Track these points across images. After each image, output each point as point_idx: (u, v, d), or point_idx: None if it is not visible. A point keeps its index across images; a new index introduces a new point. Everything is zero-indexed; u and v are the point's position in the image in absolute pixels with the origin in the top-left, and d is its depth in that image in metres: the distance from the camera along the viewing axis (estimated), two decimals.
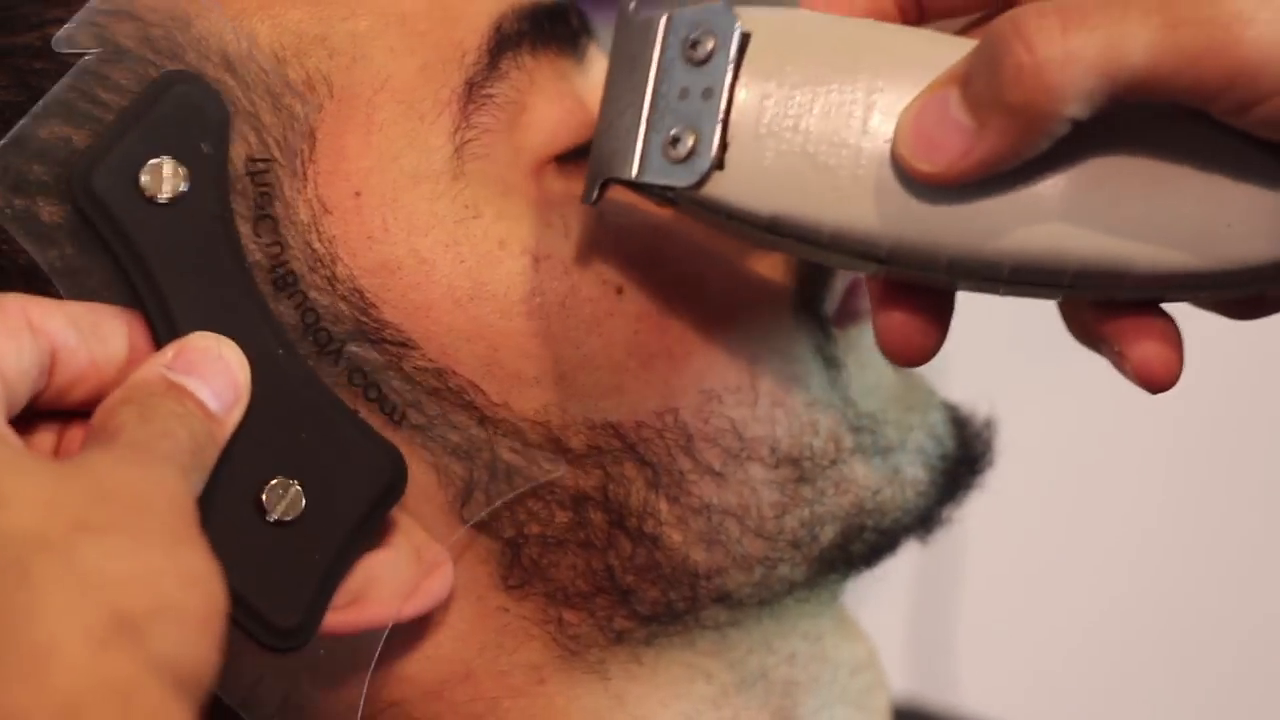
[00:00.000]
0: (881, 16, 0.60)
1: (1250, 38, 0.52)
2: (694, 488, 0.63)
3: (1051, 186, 0.55)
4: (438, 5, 0.62)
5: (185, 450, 0.52)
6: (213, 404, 0.55)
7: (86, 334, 0.55)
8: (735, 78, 0.57)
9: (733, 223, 0.57)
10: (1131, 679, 1.51)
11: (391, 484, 0.58)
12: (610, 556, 0.62)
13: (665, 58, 0.58)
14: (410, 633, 0.61)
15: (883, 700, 0.69)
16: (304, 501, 0.57)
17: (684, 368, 0.62)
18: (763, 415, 0.63)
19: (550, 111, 0.62)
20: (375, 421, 0.59)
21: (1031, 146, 0.54)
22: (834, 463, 0.65)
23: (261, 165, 0.59)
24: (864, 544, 0.66)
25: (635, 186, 0.58)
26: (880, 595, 0.72)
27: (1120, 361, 0.57)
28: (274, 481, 0.57)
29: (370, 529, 0.58)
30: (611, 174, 0.58)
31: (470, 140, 0.61)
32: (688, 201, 0.57)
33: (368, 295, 0.60)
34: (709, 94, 0.57)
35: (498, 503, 0.61)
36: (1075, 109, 0.53)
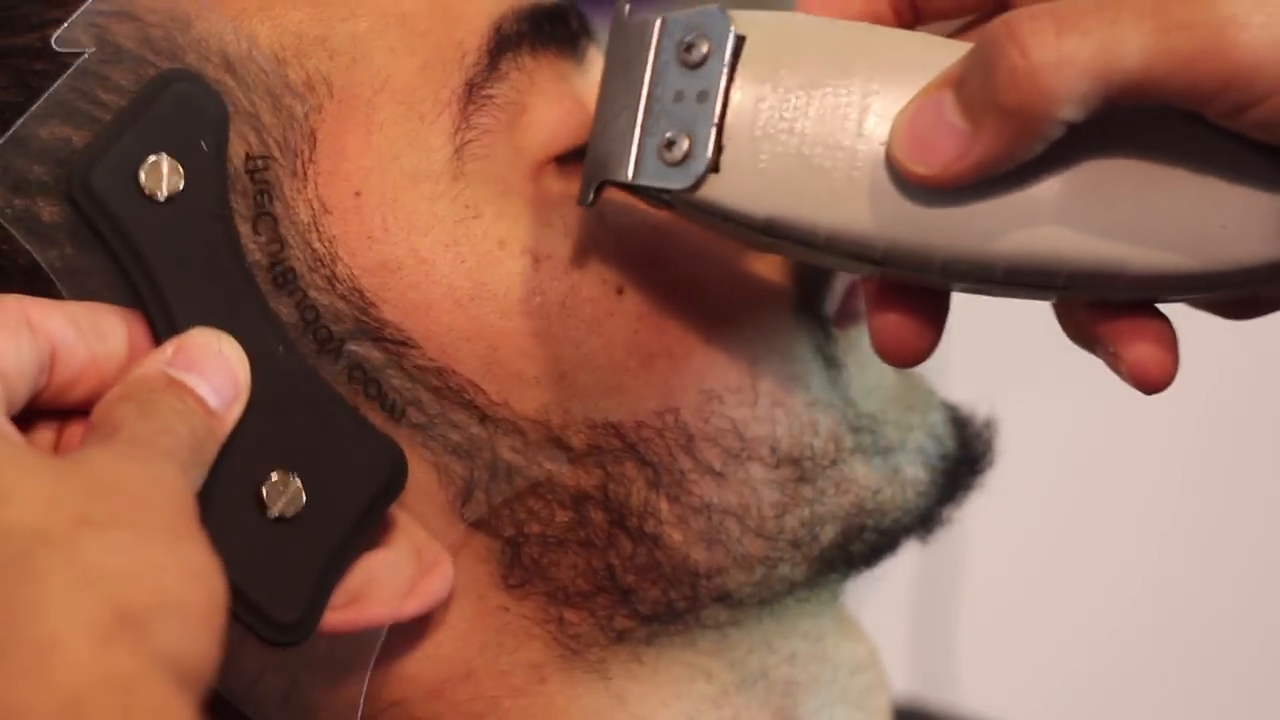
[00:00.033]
0: (877, 19, 0.60)
1: (1244, 41, 0.52)
2: (694, 487, 0.63)
3: (1046, 189, 0.55)
4: (438, 6, 0.63)
5: (185, 446, 0.52)
6: (212, 400, 0.55)
7: (86, 332, 0.55)
8: (730, 81, 0.57)
9: (728, 225, 0.57)
10: (1132, 679, 1.51)
11: (392, 479, 0.58)
12: (611, 556, 0.62)
13: (660, 60, 0.58)
14: (411, 632, 0.61)
15: (883, 700, 0.69)
16: (304, 497, 0.57)
17: (684, 367, 0.62)
18: (763, 415, 0.64)
19: (550, 112, 0.62)
20: (375, 419, 0.59)
21: (1026, 149, 0.54)
22: (834, 462, 0.65)
23: (260, 163, 0.59)
24: (864, 544, 0.66)
25: (630, 189, 0.58)
26: (881, 595, 0.72)
27: (1115, 362, 0.57)
28: (274, 477, 0.57)
29: (371, 524, 0.58)
30: (607, 176, 0.58)
31: (470, 141, 0.61)
32: (683, 204, 0.57)
33: (368, 294, 0.60)
34: (704, 97, 0.57)
35: (497, 499, 0.61)
36: (1069, 112, 0.53)
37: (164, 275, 0.57)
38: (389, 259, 0.60)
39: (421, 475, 0.60)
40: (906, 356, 0.59)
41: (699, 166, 0.56)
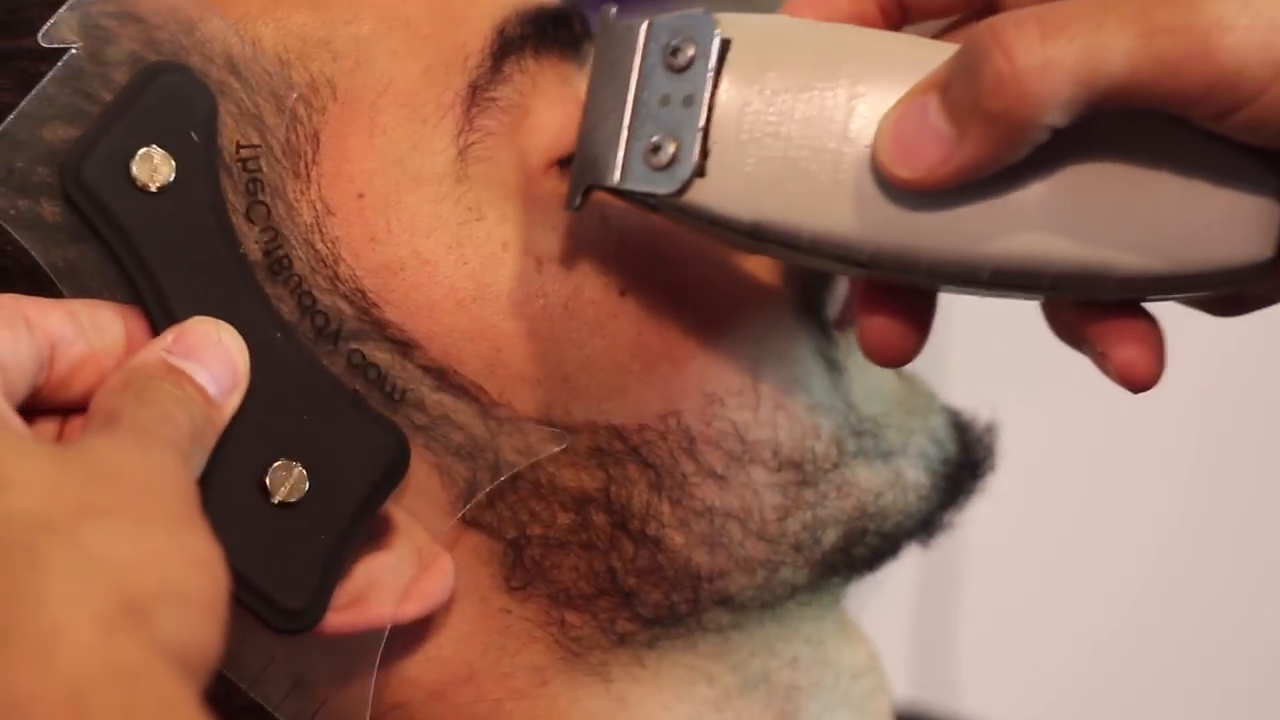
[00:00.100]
0: (863, 18, 0.60)
1: (1229, 44, 0.52)
2: (696, 490, 0.63)
3: (1031, 192, 0.56)
4: (440, 9, 0.63)
5: (185, 434, 0.52)
6: (211, 388, 0.55)
7: (84, 326, 0.55)
8: (716, 85, 0.57)
9: (715, 228, 0.57)
10: (1133, 684, 1.51)
11: (395, 462, 0.58)
12: (613, 558, 0.62)
13: (646, 64, 0.58)
14: (413, 634, 0.61)
15: (884, 704, 0.69)
16: (308, 483, 0.57)
17: (686, 370, 0.62)
18: (765, 418, 0.64)
19: (553, 115, 0.62)
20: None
21: (1011, 154, 0.54)
22: (836, 466, 0.65)
23: (250, 152, 0.59)
24: (866, 547, 0.66)
25: (618, 193, 0.58)
26: (882, 599, 0.72)
27: (1103, 362, 0.58)
28: (277, 464, 0.57)
29: (375, 508, 0.58)
30: (594, 181, 0.58)
31: (473, 143, 0.61)
32: (669, 208, 0.57)
33: (370, 295, 0.60)
34: (690, 101, 0.57)
35: (499, 501, 0.61)
36: (1054, 117, 0.53)
37: (159, 266, 0.57)
38: (392, 260, 0.60)
39: (423, 477, 0.60)
40: (893, 356, 0.59)
41: (685, 171, 0.56)
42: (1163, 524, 1.53)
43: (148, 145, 0.57)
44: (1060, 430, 1.44)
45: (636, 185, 0.57)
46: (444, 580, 0.61)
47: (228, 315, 0.57)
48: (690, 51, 0.57)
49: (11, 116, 0.57)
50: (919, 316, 0.59)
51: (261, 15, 0.61)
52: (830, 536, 0.65)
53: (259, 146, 0.59)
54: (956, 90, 0.54)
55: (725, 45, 0.57)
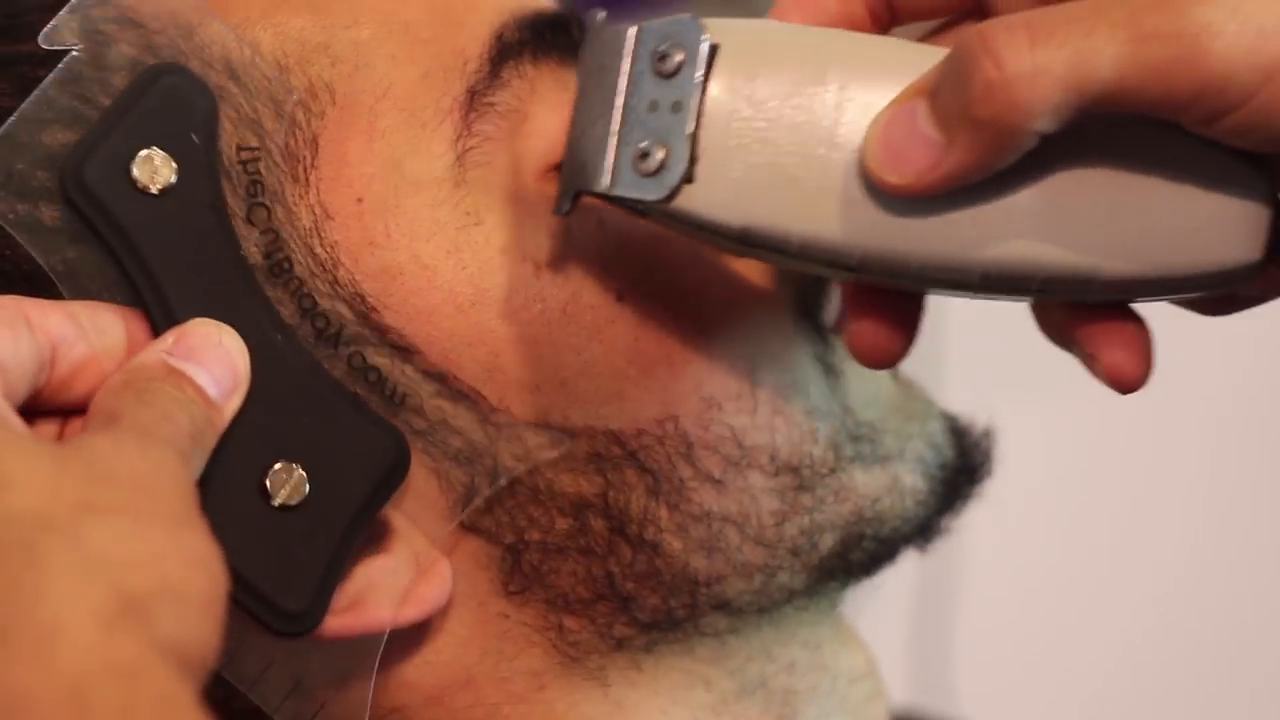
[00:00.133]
0: (852, 20, 0.60)
1: (1218, 50, 0.52)
2: (694, 495, 0.63)
3: (1020, 196, 0.56)
4: (440, 14, 0.63)
5: (185, 435, 0.52)
6: (212, 390, 0.55)
7: (85, 327, 0.55)
8: (704, 90, 0.57)
9: (704, 234, 0.58)
10: (1130, 689, 1.51)
11: (395, 465, 0.58)
12: (611, 563, 0.62)
13: (635, 70, 0.58)
14: (411, 638, 0.61)
15: (881, 710, 0.70)
16: (308, 485, 0.57)
17: (684, 375, 0.62)
18: (762, 423, 0.64)
19: (551, 120, 0.62)
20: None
21: (1000, 160, 0.54)
22: (833, 471, 0.65)
23: (250, 154, 0.59)
24: (863, 552, 0.66)
25: (607, 199, 0.58)
26: (879, 604, 0.72)
27: (1091, 363, 0.58)
28: (277, 466, 0.57)
29: (375, 511, 0.58)
30: (583, 186, 0.58)
31: (472, 148, 0.61)
32: (659, 214, 0.57)
33: (369, 300, 0.60)
34: (678, 107, 0.57)
35: (497, 506, 0.61)
36: (1043, 124, 0.53)
37: (160, 267, 0.57)
38: (390, 265, 0.60)
39: (422, 482, 0.60)
40: (881, 359, 0.60)
41: (673, 178, 0.57)
42: (1161, 528, 1.53)
43: (148, 147, 0.57)
44: (1058, 435, 1.44)
45: (625, 191, 0.57)
46: (442, 585, 0.61)
47: (228, 317, 0.57)
48: (678, 57, 0.57)
49: (11, 119, 0.57)
50: (907, 319, 0.60)
51: (261, 20, 0.61)
52: (827, 541, 0.65)
53: (258, 149, 0.60)
54: (945, 96, 0.54)
55: (713, 51, 0.57)
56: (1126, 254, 0.56)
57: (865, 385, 0.67)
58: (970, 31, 0.54)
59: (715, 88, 0.57)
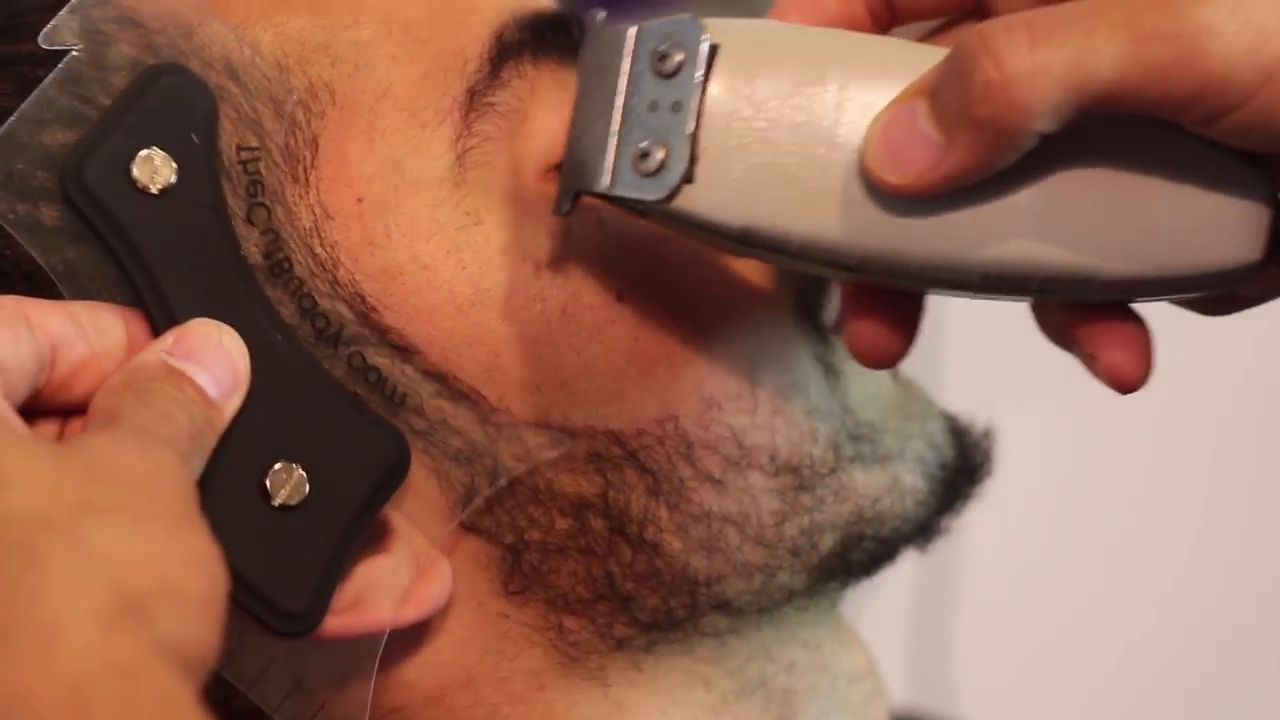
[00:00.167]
0: (852, 20, 0.60)
1: (1218, 50, 0.52)
2: (694, 495, 0.63)
3: (1020, 196, 0.56)
4: (440, 14, 0.63)
5: (185, 435, 0.52)
6: (212, 390, 0.55)
7: (85, 328, 0.55)
8: (704, 91, 0.57)
9: (704, 234, 0.58)
10: (1130, 689, 1.51)
11: (395, 465, 0.58)
12: (611, 563, 0.62)
13: (635, 70, 0.58)
14: (411, 638, 0.61)
15: (881, 710, 0.70)
16: (308, 485, 0.57)
17: (684, 375, 0.62)
18: (762, 423, 0.64)
19: (551, 120, 0.62)
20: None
21: (1000, 160, 0.54)
22: (833, 471, 0.65)
23: (249, 154, 0.59)
24: (863, 552, 0.66)
25: (607, 199, 0.58)
26: (879, 604, 0.72)
27: (1091, 363, 0.58)
28: (277, 466, 0.57)
29: (375, 511, 0.58)
30: (583, 186, 0.58)
31: (472, 148, 0.61)
32: (658, 214, 0.58)
33: (369, 300, 0.60)
34: (678, 107, 0.57)
35: (497, 506, 0.61)
36: (1043, 124, 0.53)
37: (160, 267, 0.57)
38: (391, 265, 0.60)
39: (422, 482, 0.60)
40: (880, 358, 0.60)
41: (673, 178, 0.57)
42: (1161, 528, 1.53)
43: (148, 147, 0.57)
44: (1058, 435, 1.44)
45: (625, 191, 0.57)
46: (442, 585, 0.61)
47: (228, 317, 0.57)
48: (678, 57, 0.57)
49: (11, 119, 0.57)
50: (907, 318, 0.60)
51: (261, 20, 0.61)
52: (827, 541, 0.65)
53: (258, 149, 0.60)
54: (945, 96, 0.54)
55: (713, 51, 0.57)
56: (1126, 254, 0.56)
57: (865, 385, 0.67)
58: (970, 31, 0.54)
59: (715, 88, 0.57)
